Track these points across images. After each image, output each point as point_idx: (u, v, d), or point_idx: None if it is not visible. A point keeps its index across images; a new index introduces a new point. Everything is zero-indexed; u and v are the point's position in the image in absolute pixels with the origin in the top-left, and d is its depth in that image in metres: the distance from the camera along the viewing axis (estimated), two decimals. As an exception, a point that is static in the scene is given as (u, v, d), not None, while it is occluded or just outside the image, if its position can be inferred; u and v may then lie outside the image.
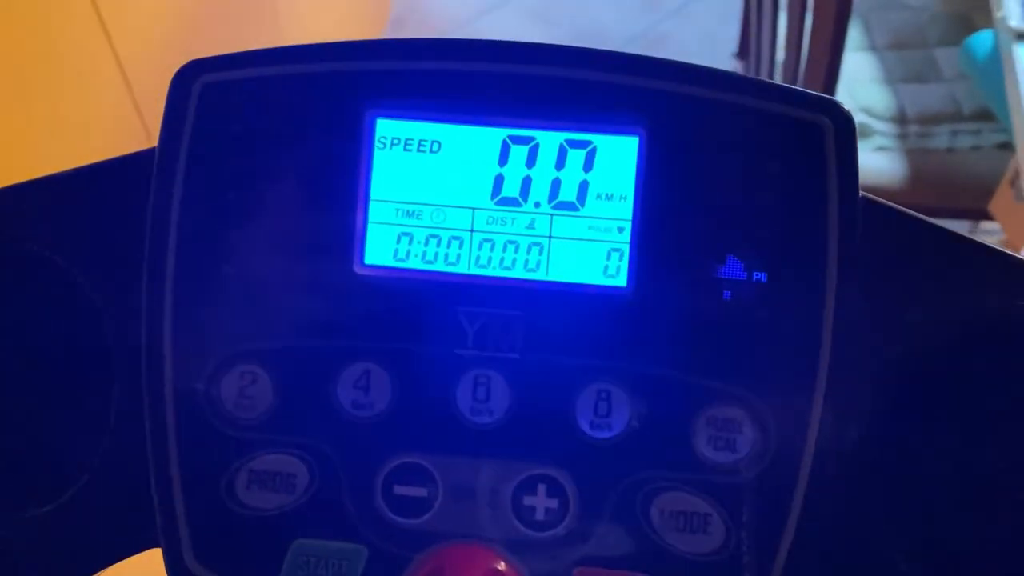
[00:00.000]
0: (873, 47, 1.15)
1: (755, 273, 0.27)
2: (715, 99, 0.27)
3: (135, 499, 0.29)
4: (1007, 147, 1.06)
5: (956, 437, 0.28)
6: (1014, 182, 0.92)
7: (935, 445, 0.28)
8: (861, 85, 1.11)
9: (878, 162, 1.06)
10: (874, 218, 0.27)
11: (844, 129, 0.27)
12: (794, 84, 0.85)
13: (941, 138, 1.08)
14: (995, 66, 0.95)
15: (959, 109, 1.08)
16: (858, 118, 1.18)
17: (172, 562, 0.28)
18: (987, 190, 0.99)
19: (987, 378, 0.28)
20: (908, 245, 0.28)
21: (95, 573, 0.30)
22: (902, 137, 1.08)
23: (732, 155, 0.27)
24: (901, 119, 1.08)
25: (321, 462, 0.28)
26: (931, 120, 1.08)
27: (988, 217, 1.00)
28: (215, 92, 0.28)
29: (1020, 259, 0.27)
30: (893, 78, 1.11)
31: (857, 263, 0.27)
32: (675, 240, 0.27)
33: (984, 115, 1.07)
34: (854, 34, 1.14)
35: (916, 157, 1.06)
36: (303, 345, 0.28)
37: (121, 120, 0.91)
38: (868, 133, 1.07)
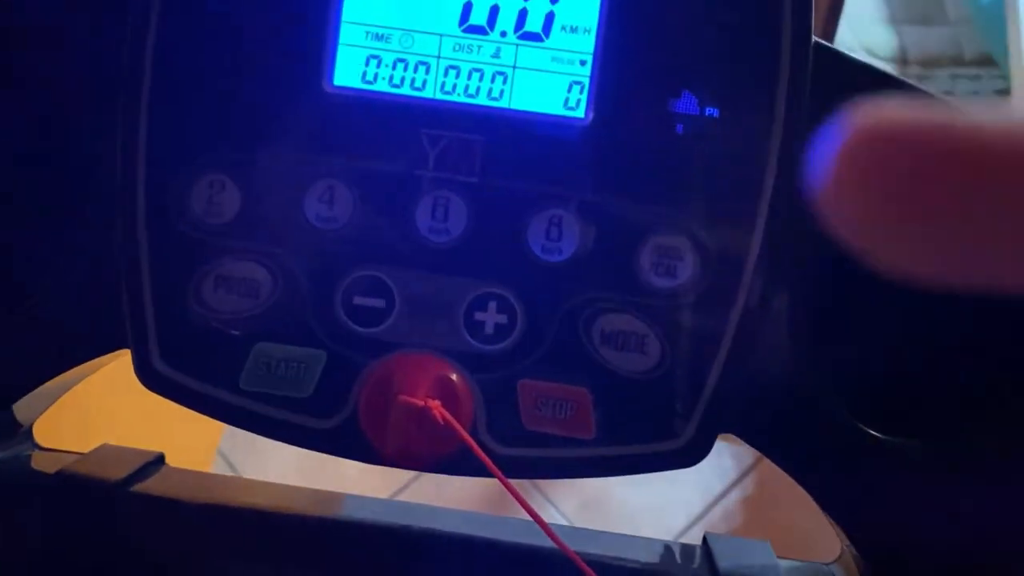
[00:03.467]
0: (880, -13, 1.14)
1: (707, 108, 0.28)
2: None
3: (106, 303, 0.30)
4: (1005, 94, 1.06)
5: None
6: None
7: (868, 280, 0.30)
8: (865, 24, 1.10)
9: (875, 102, 1.06)
10: (824, 62, 0.28)
11: None
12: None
13: (941, 81, 1.08)
14: (998, 9, 0.95)
15: (960, 53, 1.08)
16: (859, 57, 1.18)
17: (140, 363, 0.30)
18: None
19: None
20: (853, 88, 0.29)
21: (66, 370, 0.32)
22: (901, 78, 1.08)
23: None
24: (903, 60, 1.08)
25: (284, 271, 0.29)
26: (932, 63, 1.08)
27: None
28: None
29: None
30: (897, 19, 1.11)
31: (804, 104, 0.28)
32: (633, 75, 0.28)
33: (985, 61, 1.06)
34: (862, -28, 1.13)
35: (914, 99, 1.07)
36: (271, 158, 0.29)
37: None
38: (867, 72, 1.07)
